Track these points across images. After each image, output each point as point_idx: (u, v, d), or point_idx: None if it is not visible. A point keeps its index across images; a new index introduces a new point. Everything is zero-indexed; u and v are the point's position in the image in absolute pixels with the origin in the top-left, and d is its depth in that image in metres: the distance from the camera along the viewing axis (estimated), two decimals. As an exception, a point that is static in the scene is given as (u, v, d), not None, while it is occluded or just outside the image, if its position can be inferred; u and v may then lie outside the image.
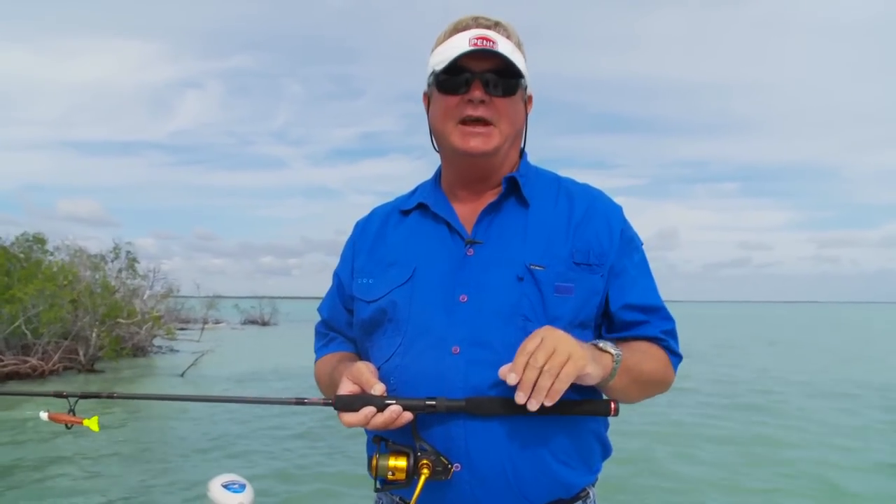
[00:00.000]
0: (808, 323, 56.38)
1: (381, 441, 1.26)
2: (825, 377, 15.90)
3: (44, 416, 1.44)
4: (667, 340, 1.38)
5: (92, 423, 1.41)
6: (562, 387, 1.10)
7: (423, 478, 1.21)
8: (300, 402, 1.28)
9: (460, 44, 1.31)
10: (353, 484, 6.47)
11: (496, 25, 1.36)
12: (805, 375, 16.22)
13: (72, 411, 1.41)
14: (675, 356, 1.40)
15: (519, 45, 1.38)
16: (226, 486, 1.86)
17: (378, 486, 1.25)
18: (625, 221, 1.42)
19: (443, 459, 1.23)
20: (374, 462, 1.24)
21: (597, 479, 1.40)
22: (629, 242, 1.40)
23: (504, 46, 1.32)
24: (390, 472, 1.22)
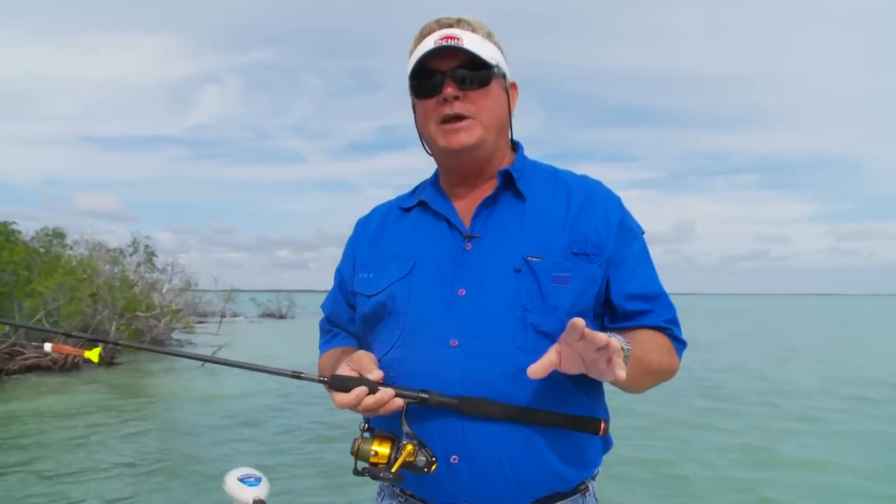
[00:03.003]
0: (823, 316, 55.88)
1: (369, 429, 1.27)
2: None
3: (48, 347, 1.51)
4: (670, 329, 1.39)
5: (92, 355, 1.46)
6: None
7: (403, 455, 1.21)
8: (296, 375, 1.31)
9: (426, 47, 1.34)
10: (370, 484, 6.48)
11: (459, 22, 1.38)
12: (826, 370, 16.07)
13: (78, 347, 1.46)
14: (680, 343, 1.41)
15: (488, 36, 1.39)
16: (241, 480, 1.86)
17: (357, 468, 1.25)
18: (623, 210, 1.42)
19: (427, 451, 1.24)
20: (356, 445, 1.25)
21: (597, 473, 1.41)
22: (628, 231, 1.40)
23: (469, 40, 1.34)
24: (372, 454, 1.24)
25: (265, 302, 44.90)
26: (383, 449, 1.24)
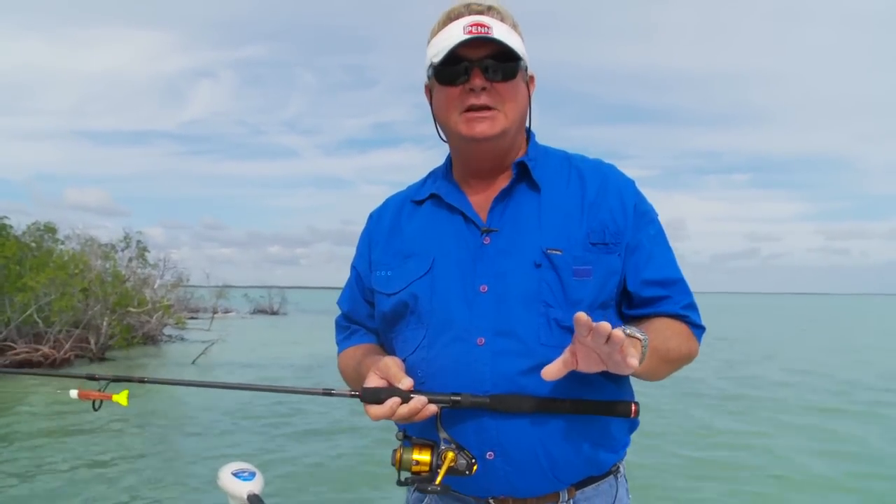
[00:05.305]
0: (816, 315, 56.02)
1: (406, 437, 1.28)
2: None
3: (73, 394, 1.48)
4: (688, 315, 1.37)
5: (121, 398, 1.45)
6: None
7: (446, 463, 1.22)
8: (328, 392, 1.31)
9: (455, 33, 1.30)
10: (364, 477, 6.49)
11: (489, 10, 1.34)
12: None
13: (101, 391, 1.44)
14: (698, 328, 1.40)
15: (514, 27, 1.37)
16: (236, 474, 1.86)
17: (401, 479, 1.26)
18: (638, 194, 1.41)
19: (466, 454, 1.24)
20: (397, 455, 1.26)
21: (626, 454, 1.42)
22: (643, 216, 1.39)
23: (499, 30, 1.31)
24: (414, 464, 1.25)
25: (257, 298, 44.81)
26: (423, 457, 1.25)
